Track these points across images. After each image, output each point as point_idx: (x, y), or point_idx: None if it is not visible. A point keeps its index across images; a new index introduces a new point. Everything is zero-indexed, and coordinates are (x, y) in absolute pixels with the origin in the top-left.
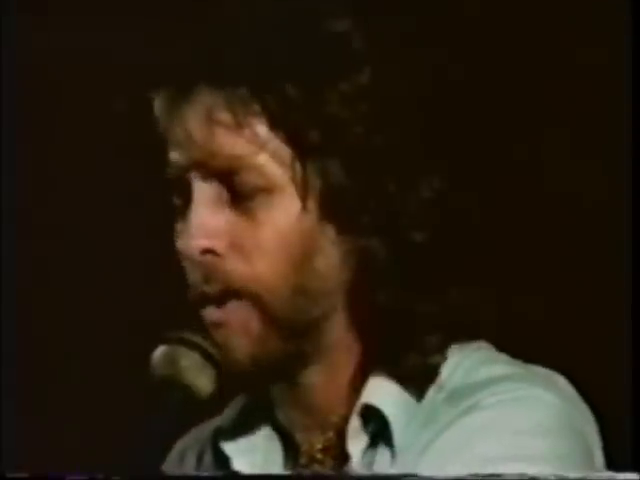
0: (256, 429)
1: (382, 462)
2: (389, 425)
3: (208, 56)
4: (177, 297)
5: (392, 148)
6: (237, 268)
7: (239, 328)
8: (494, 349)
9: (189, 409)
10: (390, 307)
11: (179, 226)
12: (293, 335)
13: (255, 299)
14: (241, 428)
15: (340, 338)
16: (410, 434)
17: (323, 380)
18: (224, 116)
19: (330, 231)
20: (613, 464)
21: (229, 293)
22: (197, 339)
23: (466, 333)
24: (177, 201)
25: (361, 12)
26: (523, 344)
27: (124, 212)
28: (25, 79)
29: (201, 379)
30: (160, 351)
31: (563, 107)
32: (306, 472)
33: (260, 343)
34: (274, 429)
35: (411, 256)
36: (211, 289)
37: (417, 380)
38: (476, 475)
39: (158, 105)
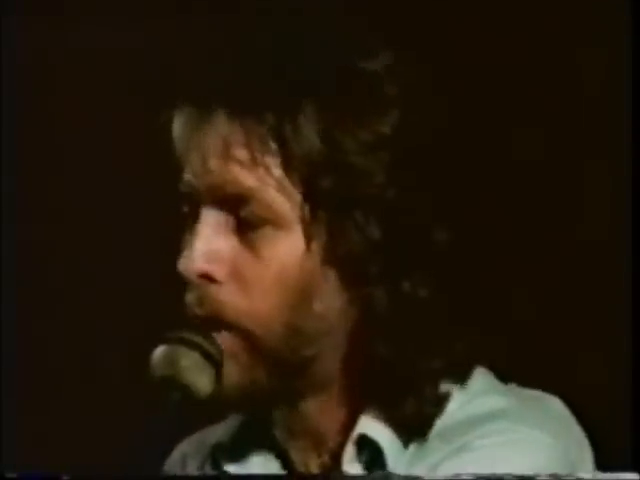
0: (254, 448)
1: None
2: (383, 455)
3: (229, 83)
4: (177, 297)
5: (404, 200)
6: (233, 300)
7: (228, 356)
8: (490, 374)
9: (189, 409)
10: (389, 358)
11: (182, 245)
12: (282, 371)
13: (246, 333)
14: (240, 446)
15: (334, 377)
16: (400, 468)
17: (319, 410)
18: (240, 153)
19: (332, 276)
20: (613, 464)
21: (221, 323)
22: (197, 339)
23: (464, 374)
24: (185, 212)
25: (401, 47)
26: (522, 355)
27: (125, 212)
28: (36, 84)
29: (201, 379)
30: (160, 351)
31: (564, 109)
32: (304, 472)
33: (248, 374)
34: (272, 450)
35: (413, 311)
36: (203, 312)
37: (409, 427)
38: (476, 475)
39: (177, 125)
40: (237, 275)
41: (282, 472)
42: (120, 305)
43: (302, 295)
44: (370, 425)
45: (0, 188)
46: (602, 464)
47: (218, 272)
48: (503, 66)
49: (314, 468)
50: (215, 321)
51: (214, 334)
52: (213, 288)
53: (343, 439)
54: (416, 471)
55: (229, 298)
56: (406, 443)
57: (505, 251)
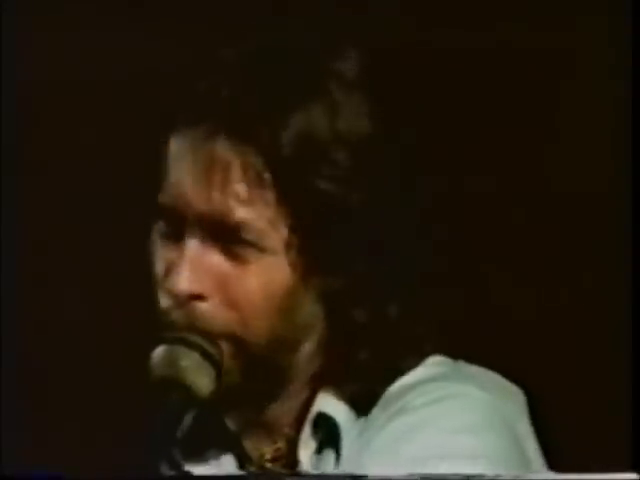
0: (208, 439)
1: (326, 469)
2: (339, 432)
3: (229, 106)
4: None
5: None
6: (222, 314)
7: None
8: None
9: (189, 409)
10: (363, 359)
11: (170, 262)
12: (259, 378)
13: (234, 339)
14: (193, 439)
15: (302, 382)
16: (350, 442)
17: (279, 405)
18: (239, 187)
19: (311, 291)
20: (613, 464)
21: (209, 334)
22: (197, 339)
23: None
24: (172, 232)
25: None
26: (522, 356)
27: (125, 214)
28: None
29: (201, 379)
30: (160, 351)
31: (563, 110)
32: (306, 472)
33: (226, 377)
34: (225, 441)
35: (387, 324)
36: (193, 331)
37: (360, 403)
38: (445, 474)
39: (173, 146)
40: (224, 289)
41: (236, 461)
42: (120, 305)
43: (286, 308)
44: (327, 402)
45: (0, 188)
46: (602, 464)
47: (206, 290)
48: (501, 65)
49: (267, 455)
50: (204, 333)
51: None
52: (201, 306)
53: (299, 423)
54: (361, 440)
55: (218, 312)
56: (357, 416)
57: (505, 253)
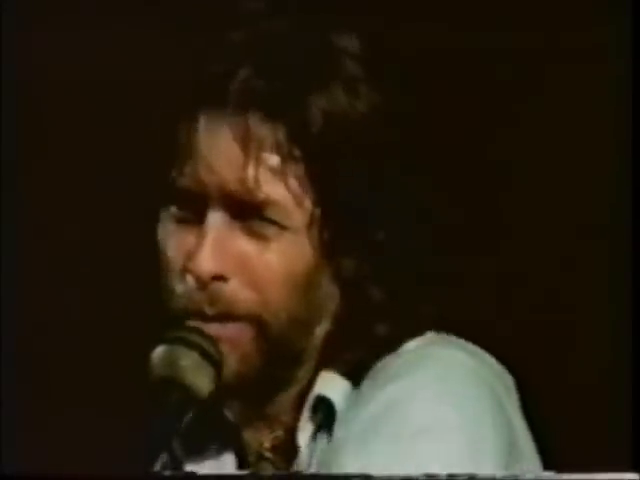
0: (206, 431)
1: (320, 450)
2: (334, 413)
3: (263, 84)
4: (177, 297)
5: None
6: (243, 294)
7: (231, 343)
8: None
9: (189, 409)
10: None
11: (189, 244)
12: (278, 362)
13: (256, 321)
14: (192, 432)
15: (311, 365)
16: (343, 418)
17: (286, 392)
18: (273, 159)
19: (328, 271)
20: (613, 464)
21: (231, 316)
22: (196, 338)
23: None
24: (189, 216)
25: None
26: (522, 355)
27: (125, 212)
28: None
29: (201, 379)
30: (160, 351)
31: (564, 110)
32: (307, 472)
33: (247, 362)
34: (224, 430)
35: (402, 294)
36: (213, 311)
37: (356, 377)
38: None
39: (203, 122)
40: (245, 268)
41: (235, 452)
42: (120, 305)
43: (304, 286)
44: (327, 383)
45: (0, 186)
46: (602, 464)
47: (228, 270)
48: (500, 63)
49: (268, 444)
50: (225, 316)
51: (220, 325)
52: (223, 286)
53: (298, 410)
54: (352, 413)
55: (240, 293)
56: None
57: (505, 253)
